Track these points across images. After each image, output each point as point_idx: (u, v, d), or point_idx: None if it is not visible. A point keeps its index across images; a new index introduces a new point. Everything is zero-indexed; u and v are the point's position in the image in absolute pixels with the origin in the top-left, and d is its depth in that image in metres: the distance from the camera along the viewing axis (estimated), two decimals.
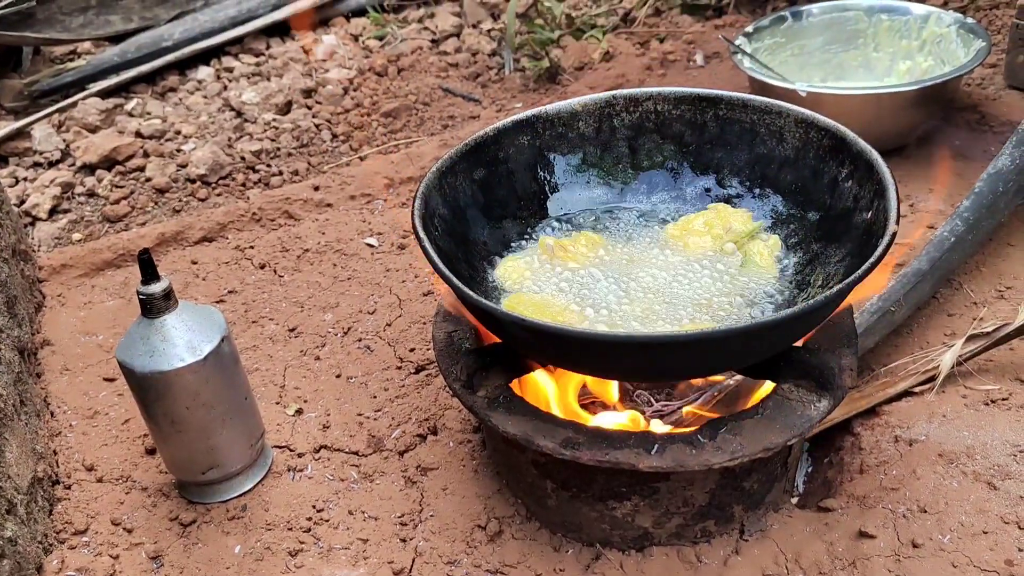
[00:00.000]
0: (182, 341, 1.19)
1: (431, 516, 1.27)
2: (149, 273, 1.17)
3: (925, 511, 1.14)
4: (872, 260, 0.96)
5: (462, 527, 1.24)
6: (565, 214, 1.37)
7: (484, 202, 1.32)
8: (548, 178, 1.38)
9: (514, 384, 1.17)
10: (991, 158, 1.62)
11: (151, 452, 1.42)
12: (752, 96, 1.32)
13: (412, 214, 1.14)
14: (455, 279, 1.02)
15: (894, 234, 0.99)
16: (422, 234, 1.10)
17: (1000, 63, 2.24)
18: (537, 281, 1.22)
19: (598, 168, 1.40)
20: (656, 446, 1.03)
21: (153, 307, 1.18)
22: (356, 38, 2.90)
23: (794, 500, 1.36)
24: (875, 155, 1.13)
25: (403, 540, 1.24)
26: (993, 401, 1.33)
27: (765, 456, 1.03)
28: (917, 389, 1.40)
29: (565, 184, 1.39)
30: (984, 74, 2.25)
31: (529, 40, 2.63)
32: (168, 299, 1.19)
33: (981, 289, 1.58)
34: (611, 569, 1.16)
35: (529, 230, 1.35)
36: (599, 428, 1.07)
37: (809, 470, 1.46)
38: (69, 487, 1.36)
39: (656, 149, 1.39)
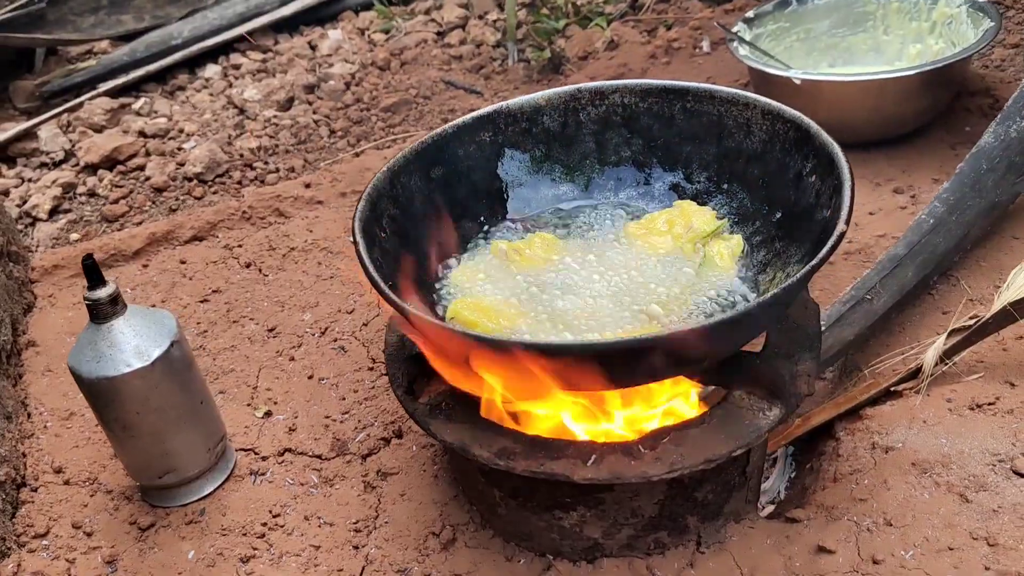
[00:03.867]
0: (130, 346, 1.18)
1: (386, 523, 1.24)
2: (94, 278, 1.16)
3: (890, 524, 1.08)
4: (814, 263, 0.90)
5: (415, 534, 1.22)
6: (527, 213, 1.33)
7: (442, 202, 1.28)
8: (510, 175, 1.34)
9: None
10: None
11: None
12: (719, 87, 1.26)
13: (354, 217, 1.11)
14: (383, 285, 0.99)
15: (841, 235, 0.93)
16: (359, 237, 1.07)
17: (1023, 43, 2.13)
18: (488, 285, 1.18)
19: (563, 164, 1.35)
20: (593, 456, 0.99)
21: (99, 312, 1.17)
22: (363, 32, 2.88)
23: (769, 509, 1.31)
24: (836, 148, 1.07)
25: (355, 547, 1.22)
26: (979, 405, 1.25)
27: (707, 468, 0.98)
28: (903, 389, 1.34)
29: (528, 182, 1.35)
30: (1005, 55, 2.13)
31: (533, 30, 2.58)
32: (115, 304, 1.18)
33: (979, 285, 1.50)
34: None
35: (489, 229, 1.31)
36: (539, 437, 1.03)
37: (792, 475, 1.40)
38: (36, 489, 1.37)
39: (624, 143, 1.34)
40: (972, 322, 1.30)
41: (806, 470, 1.36)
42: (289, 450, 1.39)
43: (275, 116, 2.43)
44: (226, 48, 2.83)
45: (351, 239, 1.08)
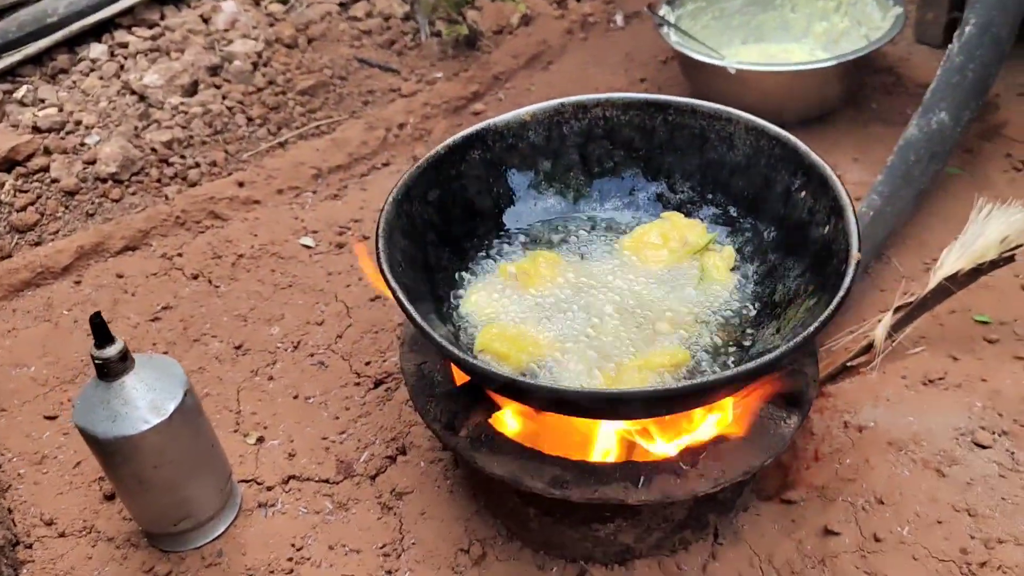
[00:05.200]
0: (144, 402, 1.14)
1: (413, 544, 1.28)
2: (102, 336, 1.11)
3: (883, 503, 1.22)
4: (839, 298, 0.99)
5: (445, 553, 1.26)
6: (521, 227, 1.36)
7: (441, 224, 1.30)
8: (502, 191, 1.37)
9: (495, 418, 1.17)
10: (908, 121, 1.69)
11: (110, 498, 1.37)
12: (701, 102, 1.32)
13: (379, 260, 1.11)
14: (440, 339, 1.01)
15: (859, 263, 1.03)
16: (394, 284, 1.08)
17: (911, 13, 2.30)
18: (505, 311, 1.22)
19: (551, 177, 1.39)
20: (642, 479, 1.06)
21: (110, 371, 1.13)
22: (258, 2, 2.74)
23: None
24: (828, 170, 1.16)
25: (389, 572, 1.25)
26: (931, 381, 1.41)
27: (745, 479, 1.07)
28: (858, 364, 1.47)
29: (519, 196, 1.38)
30: None
31: (443, 1, 2.54)
32: (124, 360, 1.14)
33: (909, 262, 1.66)
34: None
35: (488, 247, 1.33)
36: (584, 462, 1.09)
37: None
38: (31, 546, 1.31)
39: (607, 155, 1.39)
40: (913, 298, 1.45)
41: None
42: (293, 477, 1.39)
43: (182, 103, 2.30)
44: (108, 24, 2.62)
45: (384, 283, 1.09)
